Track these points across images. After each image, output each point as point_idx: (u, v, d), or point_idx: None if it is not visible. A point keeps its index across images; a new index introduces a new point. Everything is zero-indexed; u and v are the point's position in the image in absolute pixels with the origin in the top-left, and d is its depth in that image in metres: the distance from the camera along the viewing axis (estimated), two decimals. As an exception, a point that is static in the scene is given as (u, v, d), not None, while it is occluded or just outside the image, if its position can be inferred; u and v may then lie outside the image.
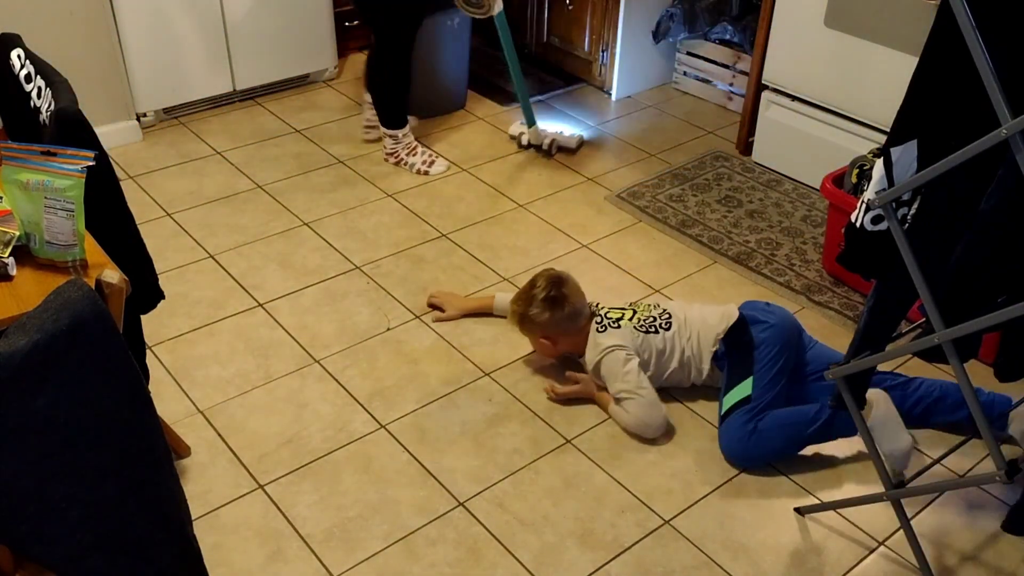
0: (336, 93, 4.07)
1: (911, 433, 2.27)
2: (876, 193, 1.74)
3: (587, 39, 4.11)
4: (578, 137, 3.75)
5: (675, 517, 2.21)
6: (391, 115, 3.49)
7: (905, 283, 1.75)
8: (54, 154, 1.60)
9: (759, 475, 2.32)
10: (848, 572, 2.10)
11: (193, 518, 1.68)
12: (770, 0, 3.36)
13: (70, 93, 1.78)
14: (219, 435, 2.38)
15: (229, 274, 2.96)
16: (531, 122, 3.66)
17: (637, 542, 2.14)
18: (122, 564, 1.44)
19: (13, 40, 1.97)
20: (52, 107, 1.75)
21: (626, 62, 4.05)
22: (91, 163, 1.60)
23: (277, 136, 3.74)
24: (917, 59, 1.64)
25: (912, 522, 2.07)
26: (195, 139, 3.70)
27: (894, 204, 1.73)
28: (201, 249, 3.06)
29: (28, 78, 1.87)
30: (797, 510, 2.23)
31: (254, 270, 2.98)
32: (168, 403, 2.45)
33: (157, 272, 2.14)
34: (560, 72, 4.29)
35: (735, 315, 2.47)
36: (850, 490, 2.28)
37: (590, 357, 2.48)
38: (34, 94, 1.85)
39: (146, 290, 2.08)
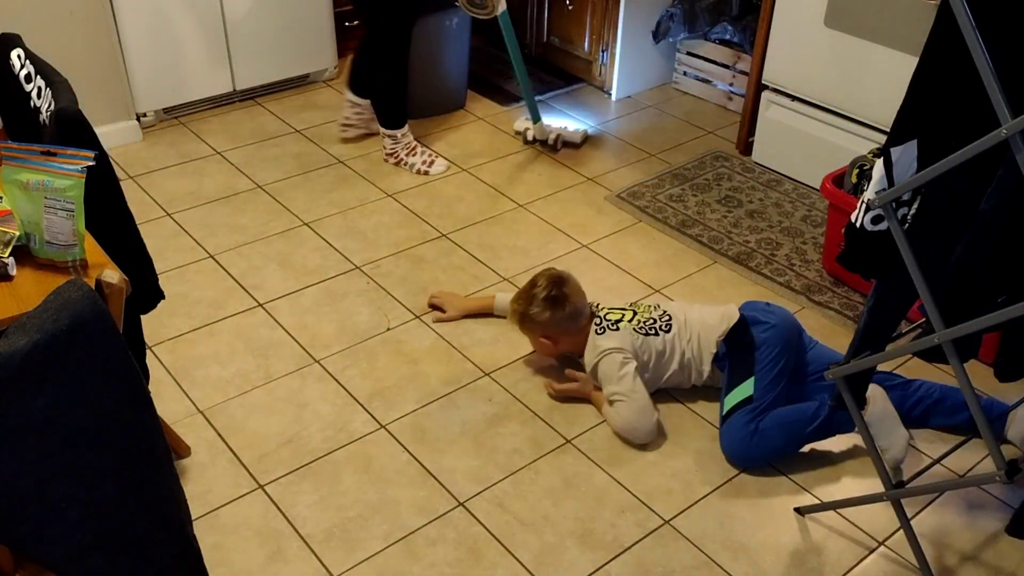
0: (336, 93, 4.06)
1: (908, 430, 2.28)
2: (876, 193, 1.74)
3: (587, 39, 4.11)
4: (582, 132, 3.77)
5: (675, 517, 2.21)
6: (390, 115, 3.49)
7: (905, 283, 1.75)
8: (54, 154, 1.60)
9: (759, 475, 2.32)
10: (848, 572, 2.10)
11: (193, 518, 1.68)
12: (770, 0, 3.36)
13: (70, 93, 1.78)
14: (219, 435, 2.38)
15: (229, 274, 2.96)
16: (536, 118, 3.68)
17: (637, 542, 2.14)
18: (122, 564, 1.44)
19: (13, 40, 1.97)
20: (52, 107, 1.75)
21: (626, 62, 4.05)
22: (91, 163, 1.60)
23: (277, 136, 3.74)
24: (917, 59, 1.64)
25: (912, 522, 2.07)
26: (195, 139, 3.70)
27: (894, 204, 1.73)
28: (201, 249, 3.06)
29: (28, 78, 1.87)
30: (797, 510, 2.23)
31: (254, 270, 2.98)
32: (168, 403, 2.45)
33: (157, 272, 2.14)
34: (560, 72, 4.29)
35: (736, 316, 2.47)
36: (850, 490, 2.28)
37: (588, 359, 2.48)
38: (34, 94, 1.85)
39: (146, 290, 2.08)
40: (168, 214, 3.23)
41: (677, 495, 2.26)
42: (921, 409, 2.42)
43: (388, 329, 2.75)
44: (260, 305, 2.83)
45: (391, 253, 3.08)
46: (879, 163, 1.73)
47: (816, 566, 2.11)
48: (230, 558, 2.07)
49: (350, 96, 3.63)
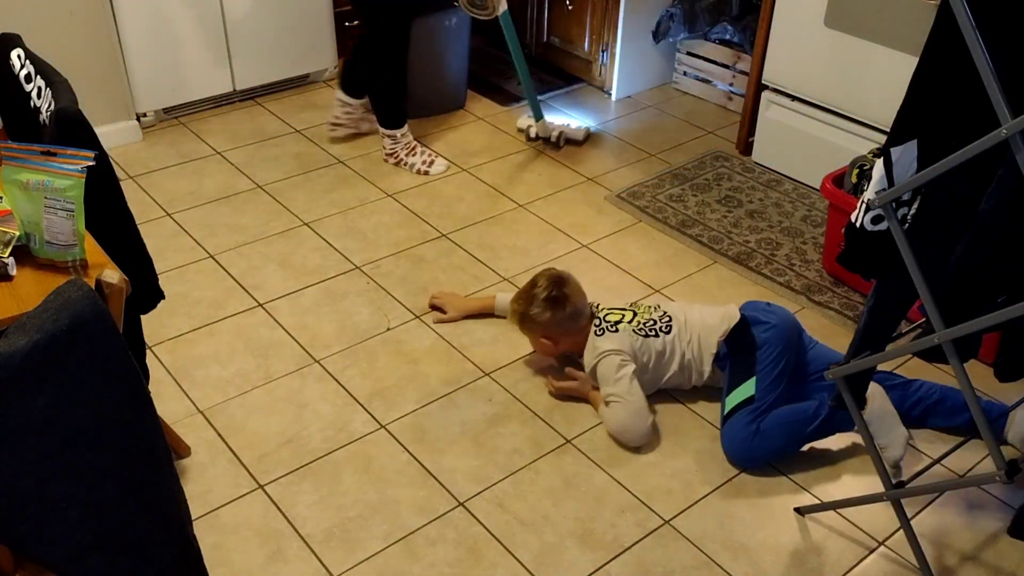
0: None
1: (908, 429, 2.29)
2: (876, 193, 1.74)
3: (587, 39, 4.11)
4: (585, 129, 3.78)
5: (675, 517, 2.21)
6: (390, 115, 3.49)
7: (905, 283, 1.75)
8: (54, 154, 1.60)
9: (759, 475, 2.32)
10: (848, 572, 2.10)
11: (193, 518, 1.68)
12: (770, 0, 3.36)
13: (70, 93, 1.78)
14: (219, 435, 2.38)
15: (229, 274, 2.96)
16: (538, 116, 3.69)
17: (637, 542, 2.14)
18: (122, 564, 1.44)
19: (13, 40, 1.97)
20: (52, 107, 1.74)
21: (626, 62, 4.05)
22: (91, 163, 1.60)
23: (277, 136, 3.74)
24: (917, 59, 1.64)
25: (912, 522, 2.07)
26: (195, 139, 3.70)
27: (894, 204, 1.73)
28: (201, 249, 3.06)
29: (28, 78, 1.87)
30: (797, 510, 2.23)
31: (254, 270, 2.98)
32: (168, 403, 2.45)
33: (157, 272, 2.14)
34: (560, 72, 4.29)
35: (736, 316, 2.47)
36: (850, 490, 2.28)
37: (588, 360, 2.48)
38: (34, 94, 1.85)
39: (146, 290, 2.08)
40: (168, 214, 3.23)
41: (677, 495, 2.26)
42: (921, 409, 2.42)
43: (388, 329, 2.75)
44: (260, 305, 2.83)
45: (391, 253, 3.08)
46: (879, 163, 1.73)
47: (816, 566, 2.11)
48: (230, 558, 2.07)
49: (341, 95, 3.63)
